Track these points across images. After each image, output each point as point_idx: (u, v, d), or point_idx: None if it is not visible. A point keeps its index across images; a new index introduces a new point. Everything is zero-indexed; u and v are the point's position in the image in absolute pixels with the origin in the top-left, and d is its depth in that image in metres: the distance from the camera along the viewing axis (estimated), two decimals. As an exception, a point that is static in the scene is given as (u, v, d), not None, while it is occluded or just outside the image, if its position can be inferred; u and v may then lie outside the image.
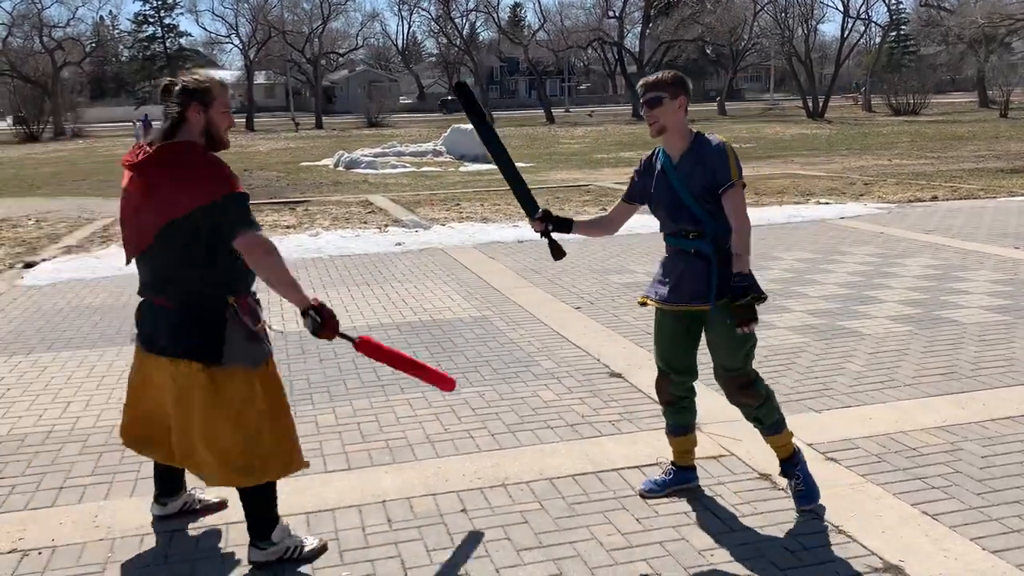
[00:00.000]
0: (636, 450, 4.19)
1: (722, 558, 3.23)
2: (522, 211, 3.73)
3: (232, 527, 3.47)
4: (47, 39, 58.02)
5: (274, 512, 3.25)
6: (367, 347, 3.41)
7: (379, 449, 4.31)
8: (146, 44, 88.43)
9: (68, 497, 3.87)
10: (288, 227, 12.35)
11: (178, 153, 3.03)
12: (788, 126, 41.69)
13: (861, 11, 63.77)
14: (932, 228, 10.60)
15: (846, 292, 7.36)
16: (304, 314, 3.12)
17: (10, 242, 11.69)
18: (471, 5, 71.76)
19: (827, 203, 13.26)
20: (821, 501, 3.57)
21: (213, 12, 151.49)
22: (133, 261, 3.21)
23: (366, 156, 24.92)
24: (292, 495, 3.65)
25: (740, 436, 4.26)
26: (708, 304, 3.45)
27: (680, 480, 3.75)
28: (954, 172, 18.03)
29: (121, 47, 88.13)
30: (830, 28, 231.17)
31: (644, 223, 7.22)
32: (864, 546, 3.26)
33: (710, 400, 4.31)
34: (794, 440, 3.67)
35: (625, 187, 3.75)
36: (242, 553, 3.29)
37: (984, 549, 3.21)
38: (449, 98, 68.80)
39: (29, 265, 9.78)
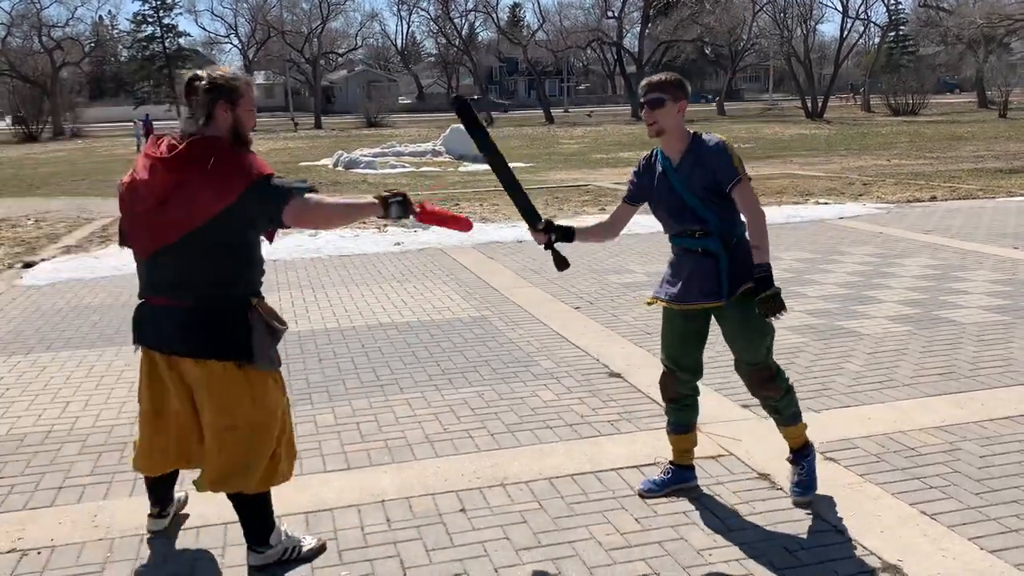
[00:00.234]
0: (635, 450, 4.19)
1: (721, 558, 3.23)
2: (538, 209, 3.71)
3: (231, 527, 3.47)
4: (46, 39, 58.07)
5: (271, 517, 3.24)
6: (425, 215, 3.24)
7: (378, 449, 4.32)
8: (145, 44, 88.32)
9: (67, 497, 3.87)
10: (287, 226, 12.33)
11: (210, 146, 2.93)
12: (787, 126, 41.71)
13: (860, 11, 63.93)
14: (931, 228, 10.61)
15: (845, 292, 7.36)
16: (386, 207, 3.06)
17: (9, 242, 11.68)
18: (470, 5, 71.85)
19: (826, 203, 13.26)
20: (821, 500, 3.58)
21: (212, 12, 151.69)
22: (132, 259, 3.13)
23: (365, 156, 24.92)
24: (291, 495, 3.65)
25: (739, 436, 4.27)
26: (721, 300, 3.48)
27: (679, 479, 3.75)
28: (953, 172, 18.04)
29: (120, 47, 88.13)
30: (829, 28, 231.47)
31: (643, 223, 7.22)
32: (863, 546, 3.26)
33: (710, 400, 4.31)
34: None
35: (625, 188, 3.76)
36: (241, 553, 3.29)
37: (982, 549, 3.22)
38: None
39: (28, 265, 9.78)
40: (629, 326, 6.47)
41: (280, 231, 3.23)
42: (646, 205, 3.70)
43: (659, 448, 4.11)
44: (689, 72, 76.36)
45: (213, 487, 3.14)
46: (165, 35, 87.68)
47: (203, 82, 2.96)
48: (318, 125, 57.03)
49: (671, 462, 3.80)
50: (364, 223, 12.46)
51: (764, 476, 3.86)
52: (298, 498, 3.70)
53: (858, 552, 3.23)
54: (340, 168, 23.44)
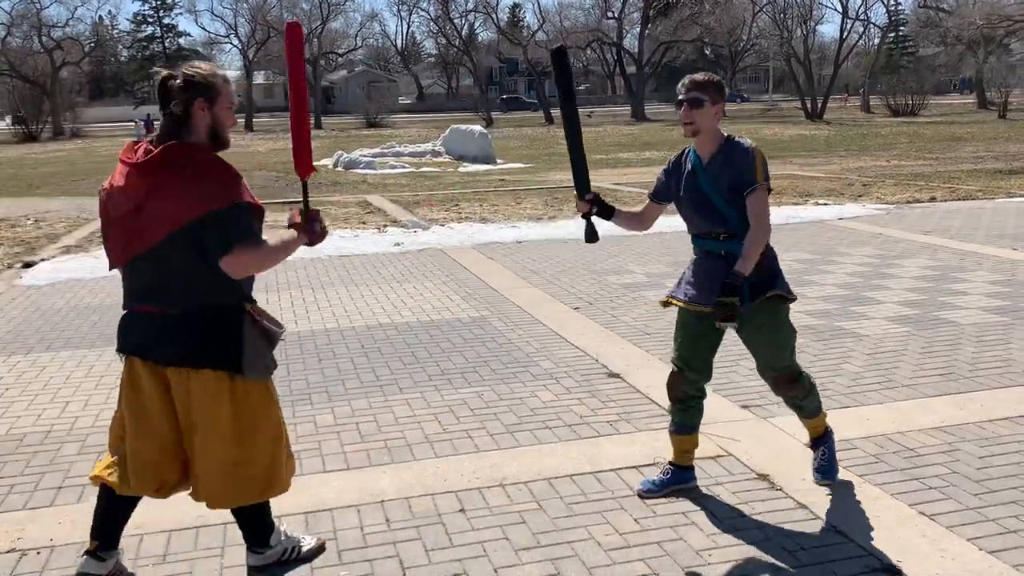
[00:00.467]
0: (634, 450, 4.19)
1: (720, 558, 3.23)
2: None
3: (231, 527, 3.46)
4: (46, 39, 58.07)
5: (269, 519, 3.23)
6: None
7: (378, 449, 4.32)
8: (145, 44, 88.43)
9: (67, 497, 3.88)
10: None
11: (187, 154, 2.80)
12: (787, 127, 41.71)
13: (860, 12, 63.94)
14: (930, 229, 10.61)
15: (844, 293, 7.36)
16: (298, 230, 2.95)
17: (9, 242, 11.68)
18: (470, 6, 71.98)
19: (825, 204, 13.27)
20: (820, 500, 3.58)
21: (212, 12, 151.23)
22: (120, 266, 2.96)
23: (365, 156, 24.92)
24: (290, 495, 3.63)
25: (738, 437, 4.27)
26: (741, 306, 3.49)
27: (678, 480, 3.76)
28: (952, 173, 18.05)
29: (120, 47, 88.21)
30: (829, 29, 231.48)
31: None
32: (861, 546, 3.27)
33: (709, 401, 4.29)
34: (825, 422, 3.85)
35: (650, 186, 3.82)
36: (241, 553, 3.29)
37: (981, 549, 3.22)
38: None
39: (28, 265, 9.78)
40: (628, 327, 6.47)
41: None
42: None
43: (658, 449, 4.12)
44: (689, 73, 76.23)
45: (212, 504, 3.06)
46: (165, 35, 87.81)
47: (178, 80, 2.81)
48: (318, 125, 57.00)
49: (671, 462, 3.81)
50: (363, 223, 12.47)
51: (763, 476, 3.87)
52: (298, 498, 3.70)
53: (857, 553, 3.23)
54: (340, 168, 23.43)
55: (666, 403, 4.32)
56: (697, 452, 3.87)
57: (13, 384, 5.53)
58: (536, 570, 3.18)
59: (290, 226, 2.99)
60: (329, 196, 16.74)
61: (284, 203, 15.55)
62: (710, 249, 3.56)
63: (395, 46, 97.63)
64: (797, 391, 3.67)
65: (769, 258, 3.55)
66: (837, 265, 8.57)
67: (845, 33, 61.11)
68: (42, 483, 4.02)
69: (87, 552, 3.09)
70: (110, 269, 3.03)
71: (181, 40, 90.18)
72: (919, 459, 4.01)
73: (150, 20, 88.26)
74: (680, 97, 3.51)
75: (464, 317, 6.94)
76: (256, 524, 3.20)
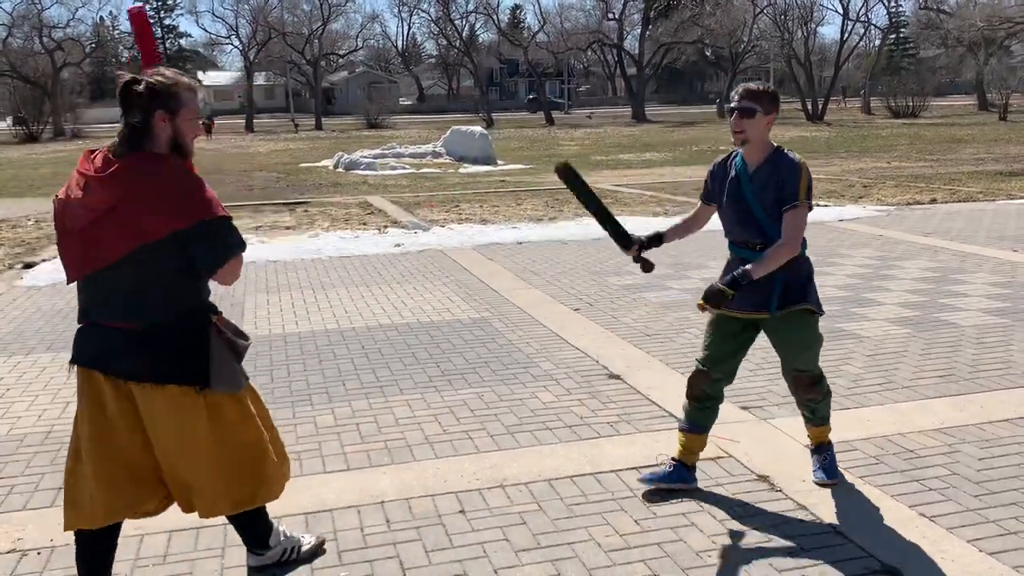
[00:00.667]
0: (634, 451, 4.19)
1: (720, 559, 3.23)
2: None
3: (231, 527, 3.46)
4: (47, 40, 58.05)
5: (267, 521, 3.22)
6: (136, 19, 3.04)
7: (378, 450, 4.32)
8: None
9: (67, 497, 3.87)
10: (287, 228, 12.36)
11: (150, 167, 2.70)
12: (787, 128, 41.67)
13: (860, 14, 64.00)
14: (931, 231, 10.61)
15: (845, 294, 7.36)
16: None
17: (9, 242, 11.68)
18: (471, 7, 71.96)
19: (826, 205, 13.26)
20: (820, 502, 3.59)
21: (213, 13, 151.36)
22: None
23: (365, 157, 24.92)
24: (290, 495, 3.64)
25: (738, 438, 4.27)
26: (767, 313, 3.55)
27: (680, 476, 3.76)
28: (953, 175, 18.05)
29: (121, 48, 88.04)
30: (830, 31, 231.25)
31: (644, 225, 7.22)
32: (862, 548, 3.27)
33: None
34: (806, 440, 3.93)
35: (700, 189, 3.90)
36: (241, 553, 3.29)
37: (981, 551, 3.22)
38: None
39: (29, 266, 9.78)
40: (629, 328, 6.47)
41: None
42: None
43: (658, 449, 4.12)
44: (690, 74, 76.44)
45: (205, 515, 3.02)
46: (166, 36, 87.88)
47: (140, 87, 2.70)
48: (319, 126, 57.04)
49: (674, 458, 3.82)
50: (364, 224, 12.47)
51: (763, 478, 3.87)
52: (298, 499, 3.71)
53: (857, 554, 3.23)
54: (341, 169, 23.43)
55: (667, 404, 4.34)
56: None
57: (14, 384, 5.54)
58: (536, 571, 3.18)
59: None
60: (330, 197, 16.75)
61: (284, 204, 15.58)
62: (745, 258, 3.57)
63: (396, 47, 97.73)
64: (816, 394, 3.75)
65: (806, 266, 3.61)
66: (837, 267, 8.57)
67: (846, 35, 61.10)
68: (43, 483, 4.02)
69: None
70: (68, 283, 2.92)
71: (182, 41, 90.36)
72: (919, 460, 4.01)
73: (151, 21, 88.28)
74: (731, 105, 3.52)
75: (464, 318, 6.95)
76: (253, 527, 3.19)
